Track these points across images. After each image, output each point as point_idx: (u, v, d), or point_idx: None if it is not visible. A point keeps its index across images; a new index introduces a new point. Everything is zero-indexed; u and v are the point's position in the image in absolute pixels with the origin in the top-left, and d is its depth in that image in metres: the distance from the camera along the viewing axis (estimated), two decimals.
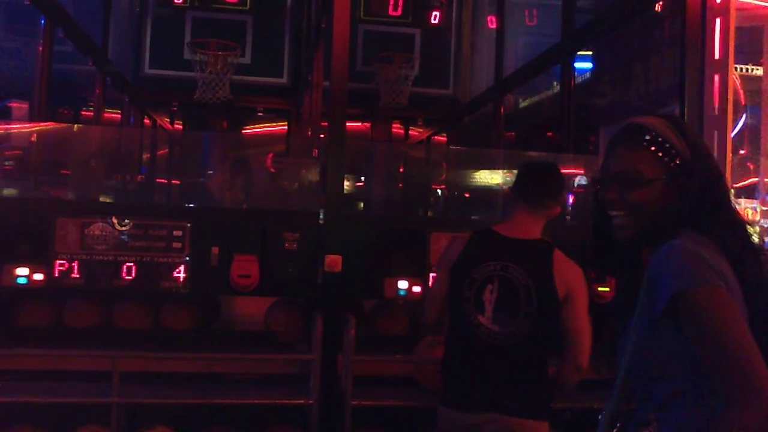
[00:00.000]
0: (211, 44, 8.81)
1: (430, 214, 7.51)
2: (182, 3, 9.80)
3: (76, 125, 9.53)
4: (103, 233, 3.60)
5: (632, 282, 1.74)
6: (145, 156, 8.30)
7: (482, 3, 10.74)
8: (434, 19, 10.30)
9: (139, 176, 7.91)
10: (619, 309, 1.79)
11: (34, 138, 6.12)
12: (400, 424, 3.64)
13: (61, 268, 3.55)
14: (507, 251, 2.80)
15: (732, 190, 1.76)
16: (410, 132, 10.97)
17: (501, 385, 2.72)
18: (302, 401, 3.40)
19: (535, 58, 6.77)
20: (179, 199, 7.14)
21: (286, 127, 10.49)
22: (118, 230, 3.62)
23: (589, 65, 8.87)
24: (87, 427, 3.37)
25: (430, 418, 2.96)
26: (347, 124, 3.77)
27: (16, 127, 6.90)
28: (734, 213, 1.69)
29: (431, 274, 3.67)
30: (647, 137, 1.69)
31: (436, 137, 10.83)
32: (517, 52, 10.01)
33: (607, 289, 3.54)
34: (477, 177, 7.29)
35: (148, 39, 9.84)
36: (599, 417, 1.72)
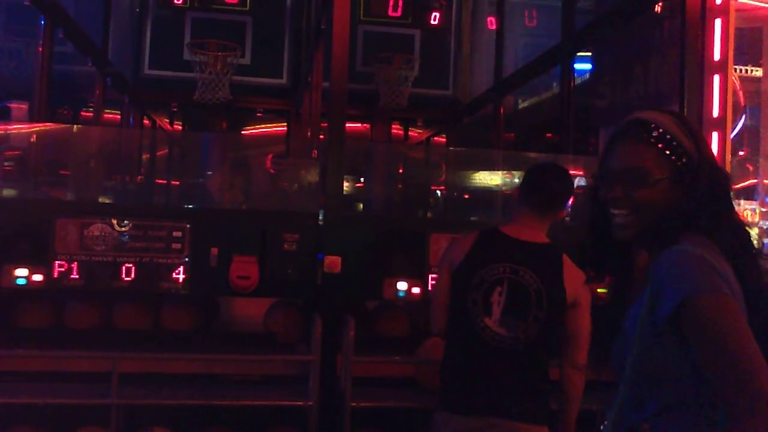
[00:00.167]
0: (211, 45, 8.81)
1: (429, 215, 7.51)
2: (182, 4, 9.81)
3: (75, 126, 9.53)
4: (103, 234, 3.60)
5: (622, 282, 1.71)
6: (145, 157, 8.31)
7: (482, 4, 10.75)
8: (434, 20, 10.30)
9: (139, 177, 7.91)
10: (609, 309, 1.75)
11: (33, 139, 6.12)
12: (400, 426, 3.63)
13: (61, 268, 3.55)
14: (517, 254, 2.73)
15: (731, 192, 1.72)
16: (410, 133, 10.98)
17: (504, 388, 2.66)
18: (301, 402, 3.39)
19: (534, 59, 6.78)
20: (179, 200, 7.15)
21: (285, 128, 10.49)
22: (118, 231, 3.62)
23: (588, 66, 8.88)
24: (86, 428, 3.37)
25: (430, 420, 2.95)
26: (347, 124, 3.77)
27: (15, 128, 6.91)
28: (736, 215, 1.64)
29: (430, 275, 3.67)
30: (654, 134, 1.61)
31: (435, 138, 10.84)
32: (516, 53, 10.03)
33: (605, 290, 3.53)
34: (476, 178, 7.30)
35: (148, 40, 9.85)
36: (601, 428, 1.65)
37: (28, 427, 3.38)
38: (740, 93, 8.20)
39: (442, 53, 10.41)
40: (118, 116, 9.82)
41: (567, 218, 3.28)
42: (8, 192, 6.19)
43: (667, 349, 1.51)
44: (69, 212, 3.65)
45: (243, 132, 10.62)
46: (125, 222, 3.63)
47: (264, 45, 9.95)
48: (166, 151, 9.01)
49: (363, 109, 9.80)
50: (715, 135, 4.35)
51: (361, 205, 7.42)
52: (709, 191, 1.58)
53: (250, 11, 10.00)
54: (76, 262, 3.56)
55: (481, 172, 7.22)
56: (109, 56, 8.41)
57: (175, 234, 3.66)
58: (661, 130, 1.61)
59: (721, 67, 4.45)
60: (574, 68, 6.35)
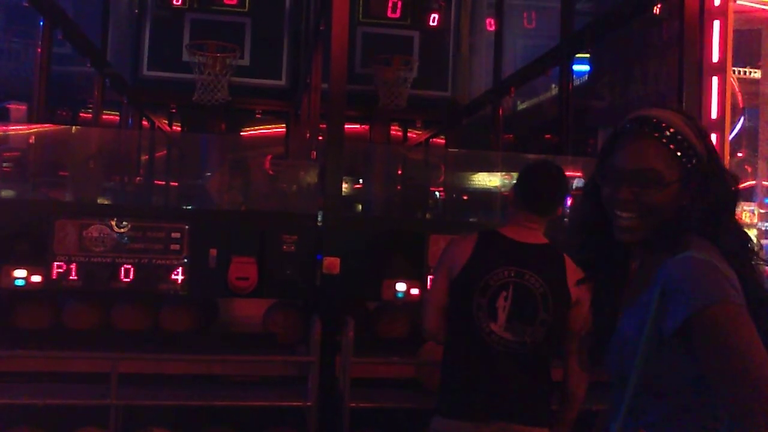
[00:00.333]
0: (210, 46, 8.81)
1: (428, 216, 7.51)
2: (181, 5, 9.81)
3: (74, 127, 9.51)
4: (102, 235, 3.60)
5: (617, 285, 1.67)
6: (144, 158, 8.30)
7: (481, 5, 10.75)
8: (433, 22, 10.31)
9: (138, 178, 7.91)
10: (600, 309, 1.70)
11: (32, 140, 6.11)
12: (399, 427, 3.63)
13: (60, 269, 3.55)
14: (520, 256, 2.69)
15: None
16: (409, 134, 10.98)
17: (511, 393, 2.63)
18: (300, 403, 3.39)
19: (533, 61, 6.78)
20: (177, 201, 7.14)
21: (284, 129, 10.49)
22: (117, 232, 3.62)
23: (587, 68, 8.89)
24: (85, 428, 3.36)
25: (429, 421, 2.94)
26: (346, 126, 3.78)
27: (14, 129, 6.90)
28: (737, 220, 1.59)
29: (429, 277, 3.67)
30: (667, 133, 1.53)
31: (434, 139, 10.84)
32: (515, 55, 10.02)
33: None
34: (475, 179, 7.29)
35: (147, 41, 9.83)
36: None
37: (28, 427, 3.38)
38: (739, 94, 8.21)
39: (441, 55, 10.40)
40: (117, 117, 9.82)
41: (566, 220, 3.27)
42: (7, 193, 6.18)
43: (671, 358, 1.47)
44: (68, 213, 3.65)
45: (242, 133, 10.61)
46: (124, 223, 3.63)
47: (263, 46, 9.95)
48: (165, 152, 8.99)
49: (362, 110, 9.79)
50: (713, 137, 4.36)
51: (360, 207, 7.41)
52: (717, 196, 1.53)
53: (249, 12, 10.00)
54: (75, 263, 3.57)
55: (480, 173, 7.22)
56: (108, 57, 8.41)
57: (173, 235, 3.66)
58: (672, 130, 1.54)
59: (720, 69, 4.46)
60: (572, 70, 6.35)
